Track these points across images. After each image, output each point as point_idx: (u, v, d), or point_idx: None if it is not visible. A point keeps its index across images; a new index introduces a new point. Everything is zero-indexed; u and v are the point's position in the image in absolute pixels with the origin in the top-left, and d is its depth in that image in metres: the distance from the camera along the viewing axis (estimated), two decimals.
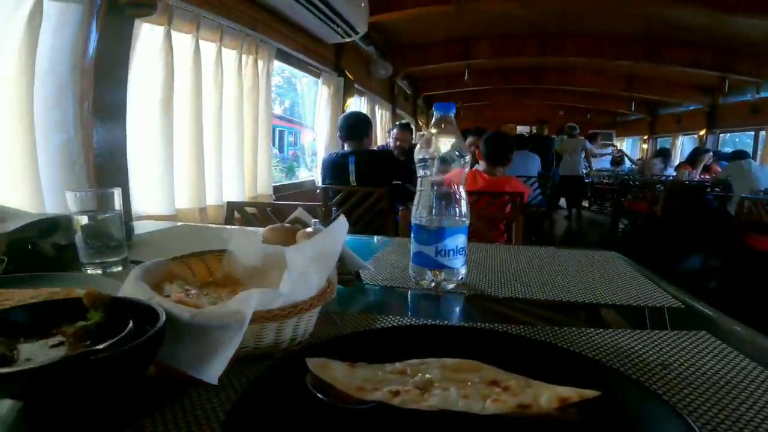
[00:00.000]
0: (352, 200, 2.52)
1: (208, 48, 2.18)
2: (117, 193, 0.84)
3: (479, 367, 0.40)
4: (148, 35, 1.84)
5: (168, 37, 1.88)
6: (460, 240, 0.71)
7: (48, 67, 1.35)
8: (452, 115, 0.74)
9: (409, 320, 0.60)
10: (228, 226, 1.46)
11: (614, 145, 8.69)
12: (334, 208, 2.59)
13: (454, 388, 0.36)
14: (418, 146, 0.75)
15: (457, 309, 0.70)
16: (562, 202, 6.40)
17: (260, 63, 2.65)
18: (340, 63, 3.93)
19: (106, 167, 1.56)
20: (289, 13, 2.89)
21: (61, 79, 1.38)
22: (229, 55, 2.37)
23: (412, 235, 0.74)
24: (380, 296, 0.75)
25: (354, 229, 2.56)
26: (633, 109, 7.89)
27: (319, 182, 3.52)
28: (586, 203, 7.16)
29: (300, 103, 4.84)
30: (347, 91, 3.89)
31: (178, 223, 1.34)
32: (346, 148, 2.70)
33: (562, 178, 5.82)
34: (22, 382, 0.33)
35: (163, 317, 0.39)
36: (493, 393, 0.36)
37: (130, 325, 0.39)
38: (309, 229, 0.76)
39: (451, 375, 0.39)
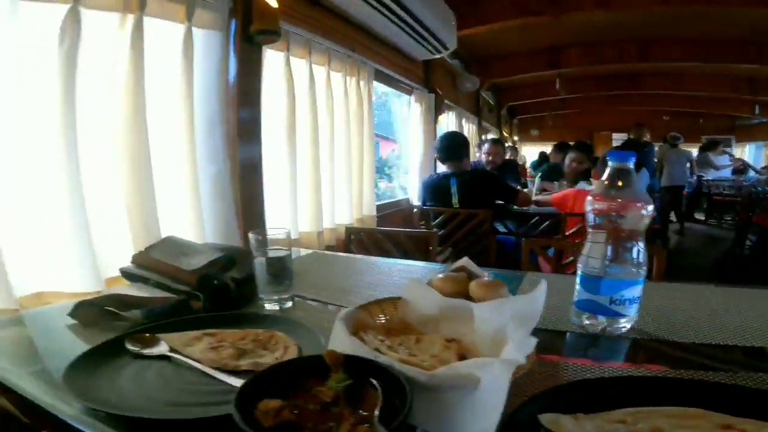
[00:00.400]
0: (454, 222, 2.45)
1: (319, 72, 2.23)
2: (287, 233, 0.88)
3: (705, 414, 0.41)
4: (268, 62, 1.90)
5: (287, 62, 1.93)
6: (637, 290, 0.69)
7: (200, 96, 1.42)
8: (631, 165, 0.69)
9: (593, 367, 0.61)
10: (356, 256, 1.49)
11: (731, 154, 7.71)
12: (435, 229, 2.52)
13: None
14: (589, 197, 0.71)
15: (626, 352, 0.69)
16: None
17: (362, 84, 2.67)
18: (429, 79, 3.89)
19: (248, 195, 1.62)
20: (384, 33, 2.90)
21: (211, 109, 1.46)
22: (336, 77, 2.41)
23: (577, 282, 0.73)
24: (542, 337, 0.70)
25: (454, 250, 2.48)
26: (757, 112, 6.96)
27: (413, 201, 3.47)
28: (700, 216, 6.44)
29: (376, 113, 4.85)
30: (438, 107, 3.82)
31: (308, 251, 1.36)
32: (445, 169, 2.64)
33: (664, 189, 5.27)
34: None
35: (408, 386, 0.42)
36: None
37: (379, 395, 0.42)
38: (485, 279, 0.76)
39: (680, 422, 0.40)
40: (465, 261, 0.84)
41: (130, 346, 0.66)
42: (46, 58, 1.08)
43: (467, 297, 0.71)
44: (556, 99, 6.44)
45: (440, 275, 0.78)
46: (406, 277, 1.09)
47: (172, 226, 1.31)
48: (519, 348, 0.49)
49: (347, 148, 2.34)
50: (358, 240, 1.87)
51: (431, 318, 0.65)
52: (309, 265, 1.18)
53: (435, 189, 2.57)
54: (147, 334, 0.69)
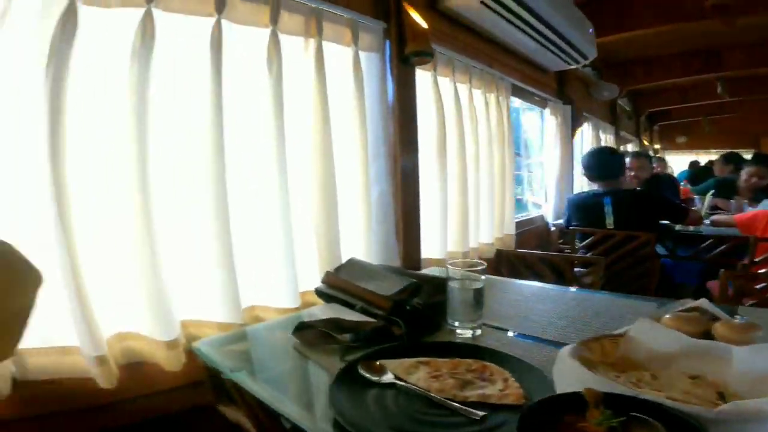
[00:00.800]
0: (607, 244, 2.20)
1: (461, 89, 2.21)
2: (483, 266, 0.91)
3: None
4: (422, 82, 1.94)
5: (435, 82, 1.95)
6: None
7: (368, 117, 1.48)
8: None
9: None
10: (526, 282, 1.43)
11: None
12: (581, 251, 2.30)
13: None
14: None
15: None
16: None
17: (500, 99, 2.59)
18: (564, 90, 3.65)
19: (406, 214, 1.65)
20: (520, 48, 2.80)
21: (376, 130, 1.51)
22: (476, 94, 2.37)
23: None
24: None
25: (609, 274, 2.23)
26: None
27: (548, 218, 3.25)
28: None
29: None
30: (575, 118, 3.56)
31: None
32: (595, 187, 2.41)
33: None
34: None
35: (700, 425, 0.43)
36: None
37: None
38: (736, 320, 0.75)
39: None
40: (702, 302, 0.82)
41: (364, 373, 0.70)
42: (253, 86, 1.20)
43: (707, 337, 0.71)
44: (709, 103, 5.60)
45: (668, 315, 0.77)
46: (587, 309, 1.05)
47: (345, 247, 1.38)
48: None
49: (489, 166, 2.28)
50: (510, 263, 1.80)
51: (664, 356, 0.65)
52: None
53: (585, 208, 2.35)
54: (377, 362, 0.72)
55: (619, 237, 2.17)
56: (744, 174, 2.71)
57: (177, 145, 1.10)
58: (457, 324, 0.90)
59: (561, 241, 2.48)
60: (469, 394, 0.64)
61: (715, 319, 0.76)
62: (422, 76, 1.96)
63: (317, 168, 1.31)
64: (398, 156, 1.63)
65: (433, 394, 0.63)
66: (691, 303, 0.83)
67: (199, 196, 1.09)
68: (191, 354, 1.02)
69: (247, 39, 1.19)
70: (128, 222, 0.98)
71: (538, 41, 2.64)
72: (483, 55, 2.59)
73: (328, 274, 1.11)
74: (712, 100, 5.08)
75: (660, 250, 2.45)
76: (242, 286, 1.14)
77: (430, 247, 1.85)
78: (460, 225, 1.95)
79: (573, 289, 1.32)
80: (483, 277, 0.90)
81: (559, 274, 1.73)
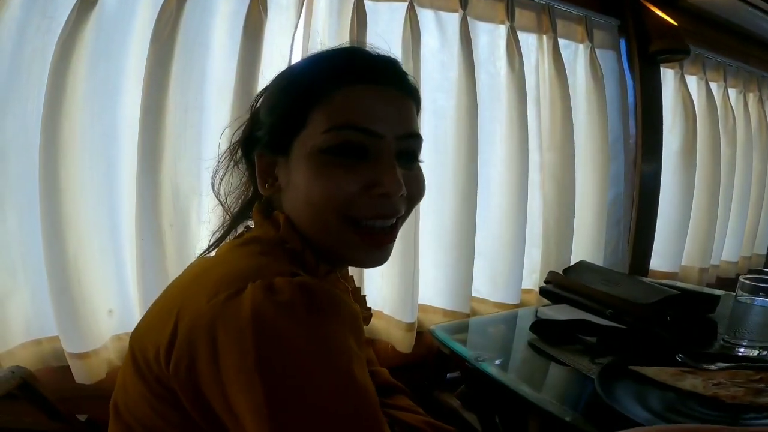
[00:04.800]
0: None
1: (715, 89, 1.95)
2: None
3: None
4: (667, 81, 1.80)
5: (682, 80, 1.78)
6: None
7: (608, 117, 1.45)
8: None
9: None
10: None
11: None
12: None
13: None
14: None
15: None
16: None
17: (764, 99, 2.17)
18: None
19: (641, 221, 1.57)
20: None
21: (615, 129, 1.46)
22: (732, 93, 2.05)
23: None
24: None
25: None
26: None
27: None
28: None
29: None
30: None
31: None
32: None
33: None
34: None
35: None
36: None
37: None
38: None
39: None
40: None
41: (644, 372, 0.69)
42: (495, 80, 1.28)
43: None
44: None
45: None
46: None
47: (574, 248, 1.37)
48: None
49: (746, 174, 1.94)
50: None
51: None
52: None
53: None
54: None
55: None
56: None
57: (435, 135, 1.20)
58: (745, 343, 0.83)
59: None
60: (763, 400, 0.57)
61: None
62: (666, 76, 1.82)
63: (556, 166, 1.34)
64: (639, 158, 1.55)
65: (725, 401, 0.59)
66: None
67: (452, 189, 1.16)
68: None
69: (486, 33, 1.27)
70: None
71: None
72: (736, 52, 2.22)
73: (553, 274, 1.10)
74: None
75: None
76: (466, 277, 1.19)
77: (661, 259, 1.69)
78: (702, 238, 1.72)
79: None
80: None
81: None
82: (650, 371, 0.69)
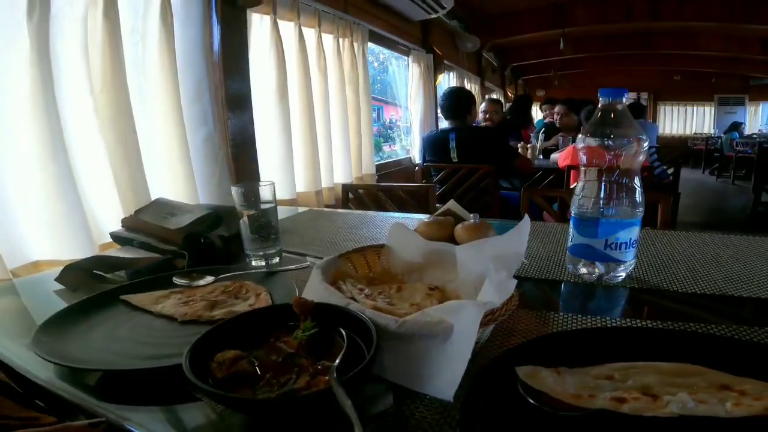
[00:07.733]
0: (454, 178, 2.44)
1: (309, 34, 2.21)
2: (272, 186, 0.85)
3: (701, 371, 0.37)
4: (257, 26, 1.90)
5: (275, 26, 1.93)
6: (634, 232, 0.64)
7: (184, 62, 1.43)
8: (623, 100, 0.65)
9: (582, 318, 0.56)
10: (351, 211, 1.48)
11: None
12: (436, 186, 2.52)
13: (684, 394, 0.33)
14: (580, 135, 0.67)
15: (624, 303, 0.64)
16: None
17: (355, 45, 2.64)
18: (427, 40, 3.83)
19: (240, 157, 1.65)
20: None
21: (197, 74, 1.46)
22: (327, 39, 2.39)
23: (571, 225, 0.68)
24: (533, 290, 0.69)
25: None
26: None
27: (416, 160, 3.47)
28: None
29: (378, 79, 4.78)
30: (437, 67, 3.78)
31: (303, 209, 1.37)
32: (446, 125, 2.61)
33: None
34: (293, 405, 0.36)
35: (375, 334, 0.40)
36: (729, 397, 0.32)
37: (343, 344, 0.41)
38: (470, 221, 0.72)
39: (671, 380, 0.36)
40: (451, 204, 0.79)
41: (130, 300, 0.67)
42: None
43: (453, 241, 0.66)
44: (561, 59, 6.26)
45: (426, 219, 0.74)
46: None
47: (164, 190, 1.33)
48: (497, 289, 0.44)
49: (343, 109, 2.35)
50: (357, 197, 1.88)
51: (416, 266, 0.61)
52: (304, 223, 1.16)
53: (434, 144, 2.54)
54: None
55: (464, 170, 2.41)
56: (555, 116, 3.16)
57: None
58: (250, 252, 0.84)
59: (424, 181, 2.67)
60: (216, 313, 0.61)
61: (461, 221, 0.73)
62: (262, 21, 1.92)
63: (110, 112, 1.22)
64: (226, 100, 1.60)
65: (177, 318, 0.60)
66: (445, 206, 0.79)
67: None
68: None
69: None
70: None
71: None
72: (335, 1, 2.59)
73: (128, 216, 1.01)
74: (561, 56, 5.69)
75: (507, 185, 2.77)
76: (18, 240, 1.04)
77: (278, 189, 1.89)
78: (308, 166, 2.01)
79: (399, 214, 1.35)
80: (274, 202, 0.84)
81: (404, 207, 1.86)
82: (135, 298, 0.67)
